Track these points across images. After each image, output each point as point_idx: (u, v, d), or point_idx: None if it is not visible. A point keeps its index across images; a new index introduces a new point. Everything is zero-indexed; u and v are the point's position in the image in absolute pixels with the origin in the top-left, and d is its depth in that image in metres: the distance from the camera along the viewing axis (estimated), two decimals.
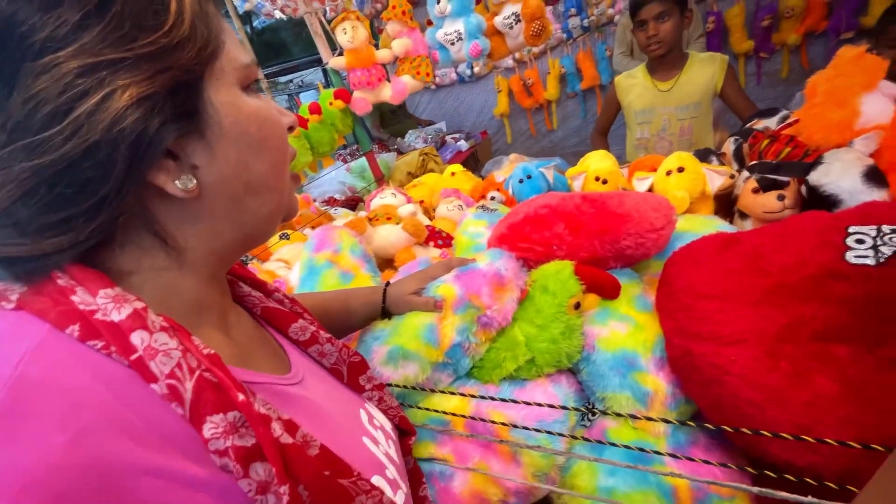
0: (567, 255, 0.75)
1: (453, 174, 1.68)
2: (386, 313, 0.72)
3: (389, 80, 1.67)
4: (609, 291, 0.71)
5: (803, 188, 0.81)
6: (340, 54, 1.64)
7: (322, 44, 1.68)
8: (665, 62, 1.51)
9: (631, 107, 1.63)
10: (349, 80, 1.68)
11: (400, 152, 3.30)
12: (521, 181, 1.26)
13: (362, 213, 1.55)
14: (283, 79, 4.37)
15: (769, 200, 0.85)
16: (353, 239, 1.06)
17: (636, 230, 0.72)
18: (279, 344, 0.45)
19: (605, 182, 1.11)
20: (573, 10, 3.19)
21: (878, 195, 0.72)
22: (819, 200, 0.77)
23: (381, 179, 2.03)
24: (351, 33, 1.55)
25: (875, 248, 0.45)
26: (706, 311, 0.54)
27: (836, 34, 2.59)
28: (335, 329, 0.70)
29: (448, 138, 3.38)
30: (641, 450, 0.53)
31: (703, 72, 1.49)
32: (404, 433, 0.53)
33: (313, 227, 1.60)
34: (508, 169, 1.70)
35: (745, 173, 0.94)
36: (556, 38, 3.34)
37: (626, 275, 0.77)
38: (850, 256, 0.45)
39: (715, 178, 0.95)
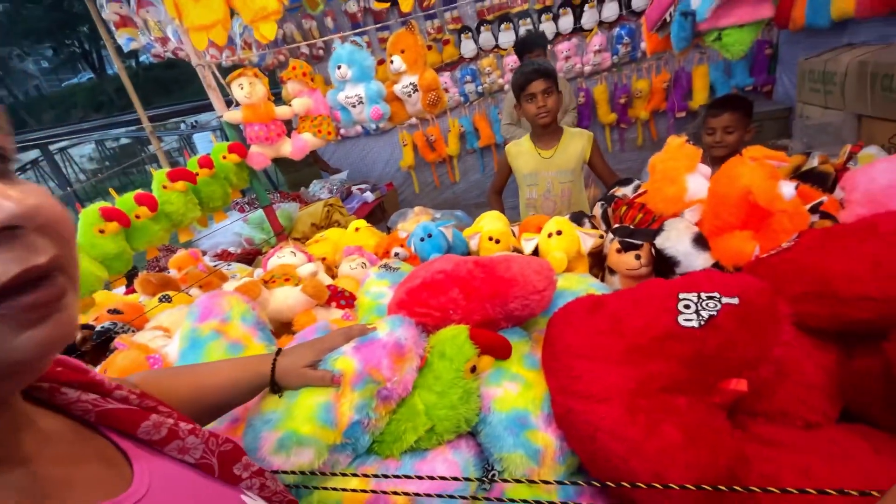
0: (462, 318, 0.79)
1: (357, 230, 1.68)
2: (276, 386, 0.67)
3: (290, 136, 1.65)
4: (502, 352, 0.76)
5: (653, 250, 0.97)
6: (236, 106, 1.59)
7: (215, 96, 1.62)
8: (546, 133, 1.75)
9: (520, 170, 1.84)
10: (246, 134, 1.63)
11: (304, 202, 3.22)
12: (422, 239, 1.30)
13: (259, 272, 1.46)
14: (174, 119, 4.06)
15: (629, 259, 1.00)
16: (244, 305, 0.99)
17: (522, 293, 0.79)
18: (122, 451, 0.39)
19: (497, 241, 1.21)
20: (468, 77, 3.54)
21: (703, 255, 0.89)
22: (664, 260, 0.93)
23: (280, 233, 1.95)
24: (248, 89, 1.53)
25: (697, 312, 0.55)
26: (581, 371, 0.60)
27: (673, 113, 3.22)
28: (215, 407, 0.64)
29: (354, 189, 3.39)
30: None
31: (575, 144, 1.75)
32: None
33: (201, 287, 1.46)
34: (414, 221, 1.76)
35: (611, 235, 1.09)
36: (455, 100, 3.64)
37: (516, 333, 0.83)
38: (681, 320, 0.55)
39: (587, 239, 1.09)
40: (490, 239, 1.21)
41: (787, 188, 0.82)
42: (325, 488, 0.62)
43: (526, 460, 0.66)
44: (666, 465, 0.48)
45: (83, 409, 0.39)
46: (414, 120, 3.83)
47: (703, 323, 0.54)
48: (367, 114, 1.57)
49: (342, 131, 4.11)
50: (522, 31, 3.32)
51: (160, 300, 1.41)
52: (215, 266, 1.85)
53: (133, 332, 1.28)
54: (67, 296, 0.30)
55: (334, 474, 0.65)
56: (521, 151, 1.81)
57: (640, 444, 0.50)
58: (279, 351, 0.69)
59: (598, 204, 1.28)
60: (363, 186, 3.48)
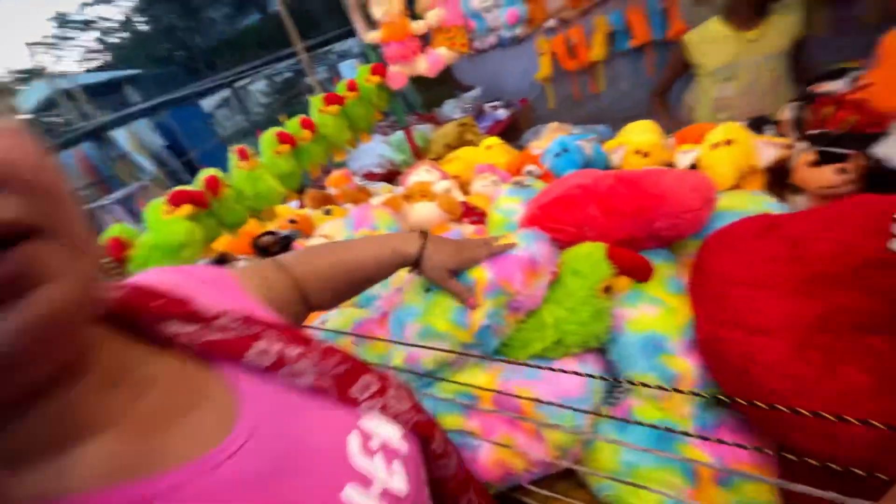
0: (599, 236, 0.74)
1: (489, 147, 1.66)
2: (417, 269, 0.70)
3: (424, 52, 1.65)
4: (641, 275, 0.71)
5: (868, 163, 0.75)
6: (376, 27, 1.63)
7: (358, 18, 1.67)
8: (748, 5, 1.36)
9: (709, 64, 1.47)
10: (384, 54, 1.67)
11: (437, 123, 3.27)
12: (557, 155, 1.23)
13: (399, 190, 1.58)
14: (322, 49, 4.39)
15: (827, 174, 0.79)
16: (389, 217, 1.10)
17: (671, 211, 0.70)
18: (228, 385, 0.35)
19: (646, 155, 1.07)
20: None
21: None
22: (883, 177, 0.71)
23: (418, 153, 2.04)
24: (386, 5, 1.53)
25: None
26: (738, 298, 0.53)
27: None
28: (355, 283, 0.67)
29: (486, 107, 3.30)
30: (667, 429, 0.54)
31: (786, 18, 1.35)
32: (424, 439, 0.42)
33: (354, 203, 1.66)
34: (548, 139, 1.66)
35: (802, 144, 0.87)
36: None
37: (661, 255, 0.76)
38: (894, 245, 0.42)
39: (768, 150, 0.88)
40: (637, 152, 1.08)
41: None
42: (455, 382, 0.70)
43: (659, 384, 0.64)
44: (844, 410, 0.41)
45: (186, 340, 0.36)
46: (553, 23, 3.43)
47: None
48: (502, 18, 1.46)
49: (476, 44, 3.92)
50: None
51: (324, 213, 1.65)
52: (363, 185, 2.06)
53: (305, 238, 1.55)
54: (52, 265, 0.23)
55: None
56: (712, 38, 1.44)
57: (812, 385, 0.43)
58: (425, 234, 0.69)
59: (790, 105, 1.01)
60: (496, 104, 3.36)
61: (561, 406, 0.63)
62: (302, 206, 2.02)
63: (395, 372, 0.71)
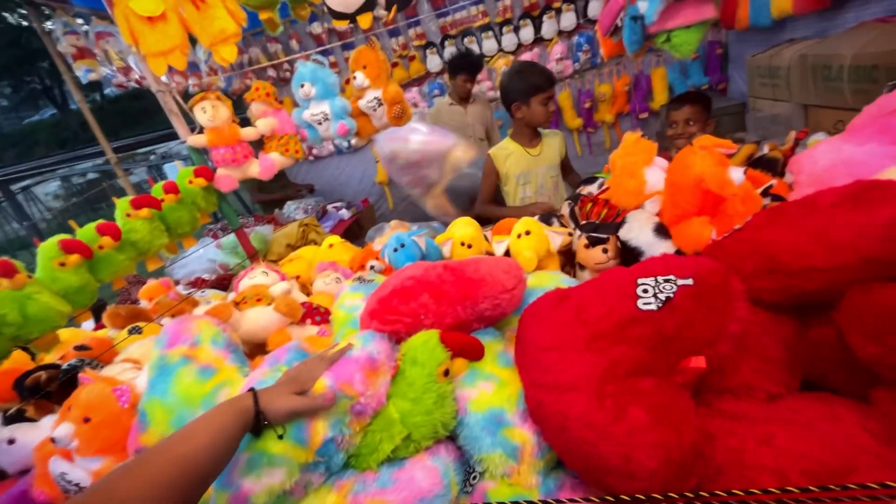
0: (434, 322, 0.78)
1: (331, 246, 1.67)
2: (261, 423, 0.59)
3: (257, 157, 1.64)
4: (474, 353, 0.76)
5: (619, 242, 1.00)
6: (200, 131, 1.58)
7: (179, 122, 1.60)
8: (529, 133, 1.81)
9: (511, 171, 1.84)
10: (211, 158, 1.61)
11: (279, 224, 3.18)
12: (395, 250, 1.30)
13: (232, 295, 1.43)
14: (142, 150, 3.98)
15: (597, 254, 1.02)
16: (214, 328, 0.97)
17: (491, 293, 0.80)
18: None
19: (469, 246, 1.21)
20: (437, 91, 3.60)
21: (665, 243, 0.92)
22: (629, 251, 0.96)
23: (254, 255, 1.92)
24: (211, 112, 1.52)
25: (655, 295, 0.57)
26: (548, 362, 0.60)
27: (636, 114, 3.33)
28: (201, 479, 0.51)
29: (329, 207, 3.37)
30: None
31: (553, 140, 1.84)
32: None
33: (173, 316, 1.42)
34: (389, 235, 1.76)
35: (578, 232, 1.12)
36: (425, 115, 3.69)
37: (489, 334, 0.84)
38: (640, 304, 0.56)
39: (555, 237, 1.10)
40: (462, 244, 1.22)
41: (736, 173, 0.86)
42: None
43: (505, 459, 0.66)
44: (634, 447, 0.49)
45: None
46: None
47: (661, 305, 0.55)
48: (333, 130, 1.58)
49: (314, 151, 4.10)
50: (486, 43, 3.40)
51: (129, 332, 1.36)
52: (188, 294, 1.80)
53: (100, 366, 1.23)
54: None
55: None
56: (509, 153, 1.82)
57: (608, 429, 0.50)
58: (253, 391, 0.62)
59: (566, 203, 1.31)
60: (338, 205, 3.47)
61: None
62: (98, 327, 1.64)
63: None
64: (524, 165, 1.82)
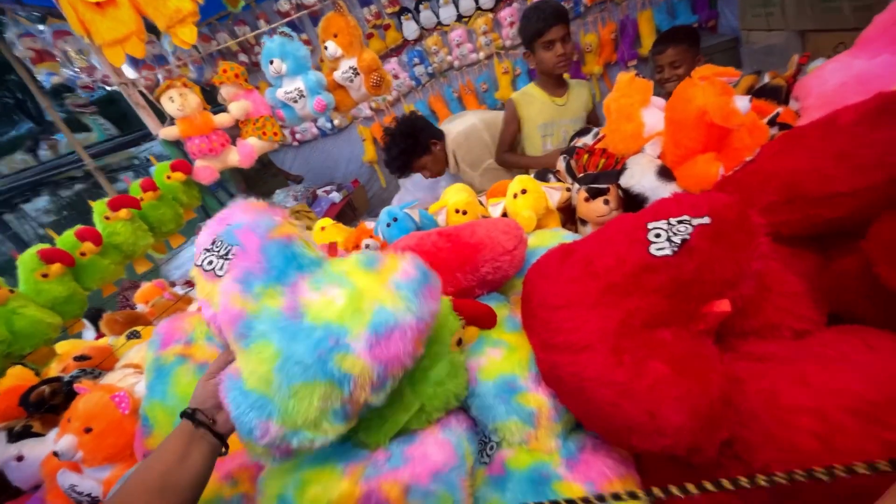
0: None
1: (323, 229, 1.61)
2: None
3: (235, 144, 1.57)
4: (487, 321, 0.72)
5: (620, 191, 0.94)
6: (171, 123, 1.50)
7: (147, 115, 1.52)
8: (556, 81, 1.66)
9: (533, 120, 1.70)
10: (188, 150, 1.54)
11: None
12: (388, 225, 1.25)
13: None
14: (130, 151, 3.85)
15: (598, 206, 0.97)
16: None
17: (491, 255, 0.75)
18: None
19: (465, 213, 1.16)
20: (416, 60, 3.44)
21: (670, 186, 0.87)
22: (632, 199, 0.90)
23: None
24: (179, 101, 1.43)
25: (669, 238, 0.52)
26: (559, 322, 0.56)
27: (625, 62, 3.20)
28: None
29: (319, 192, 3.30)
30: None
31: (582, 92, 1.70)
32: None
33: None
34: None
35: (576, 185, 1.06)
36: (407, 85, 3.56)
37: (493, 299, 0.80)
38: (653, 250, 0.52)
39: (553, 193, 1.05)
40: (457, 211, 1.17)
41: (742, 102, 0.79)
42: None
43: (521, 425, 0.63)
44: (657, 402, 0.45)
45: None
46: (369, 112, 3.74)
47: (676, 249, 0.50)
48: (310, 107, 1.50)
49: (298, 136, 3.99)
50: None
51: (128, 337, 1.33)
52: (184, 294, 1.76)
53: (98, 375, 1.20)
54: None
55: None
56: (533, 100, 1.68)
57: (628, 386, 0.46)
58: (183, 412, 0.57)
59: (561, 157, 1.24)
60: (328, 188, 3.39)
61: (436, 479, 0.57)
62: (100, 336, 1.61)
63: None
64: (548, 115, 1.68)
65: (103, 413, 0.86)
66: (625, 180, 0.90)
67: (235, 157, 1.55)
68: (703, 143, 0.82)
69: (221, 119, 1.52)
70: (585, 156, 1.11)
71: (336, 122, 3.84)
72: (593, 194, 0.98)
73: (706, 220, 0.51)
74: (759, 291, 0.54)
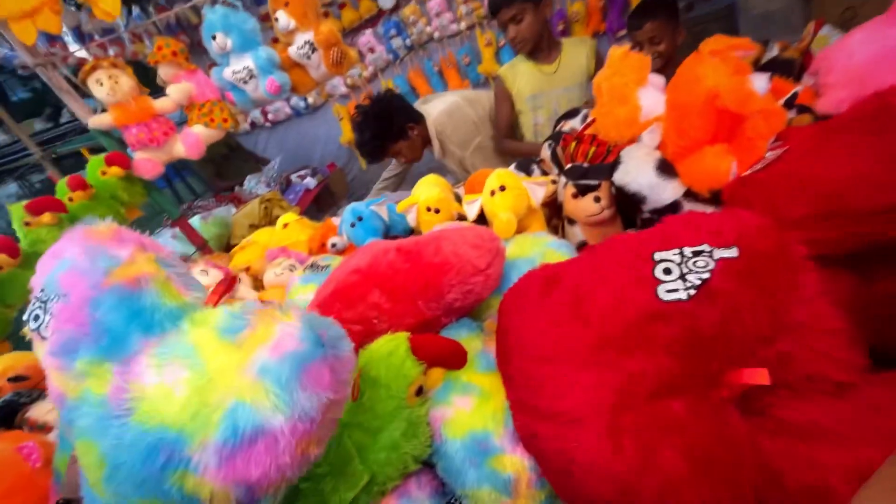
0: (390, 325, 0.61)
1: (286, 225, 1.46)
2: None
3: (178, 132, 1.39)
4: (454, 362, 0.59)
5: (613, 188, 0.81)
6: (103, 111, 1.31)
7: (73, 101, 1.32)
8: (543, 47, 1.52)
9: (521, 94, 1.58)
10: (126, 140, 1.35)
11: (242, 201, 2.91)
12: (352, 225, 1.11)
13: None
14: (63, 148, 3.57)
15: (587, 204, 0.84)
16: None
17: (459, 278, 0.62)
18: None
19: (437, 211, 1.02)
20: (393, 31, 3.20)
21: (672, 184, 0.73)
22: (627, 197, 0.77)
23: (204, 246, 1.71)
24: (108, 84, 1.24)
25: (683, 276, 0.39)
26: (541, 379, 0.44)
27: (613, 33, 3.00)
28: None
29: (293, 177, 3.10)
30: None
31: (577, 53, 1.53)
32: None
33: None
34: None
35: (563, 178, 0.92)
36: (384, 59, 3.32)
37: (464, 327, 0.66)
38: (661, 292, 0.39)
39: (536, 190, 0.91)
40: (428, 209, 1.02)
41: (760, 82, 0.66)
42: None
43: (496, 495, 0.51)
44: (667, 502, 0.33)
45: None
46: (345, 89, 3.51)
47: (693, 293, 0.38)
48: (262, 88, 1.32)
49: (270, 116, 3.74)
50: None
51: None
52: None
53: (43, 398, 1.07)
54: None
55: None
56: (519, 72, 1.56)
57: (631, 484, 0.35)
58: None
59: (545, 145, 1.10)
60: (303, 173, 3.19)
61: None
62: None
63: None
64: (535, 86, 1.55)
65: (9, 469, 0.73)
66: (619, 177, 0.76)
67: (181, 147, 1.37)
68: (712, 132, 0.69)
69: (162, 104, 1.33)
70: (573, 143, 0.96)
71: (310, 100, 3.60)
72: (582, 191, 0.84)
73: (733, 251, 0.39)
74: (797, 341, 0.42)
